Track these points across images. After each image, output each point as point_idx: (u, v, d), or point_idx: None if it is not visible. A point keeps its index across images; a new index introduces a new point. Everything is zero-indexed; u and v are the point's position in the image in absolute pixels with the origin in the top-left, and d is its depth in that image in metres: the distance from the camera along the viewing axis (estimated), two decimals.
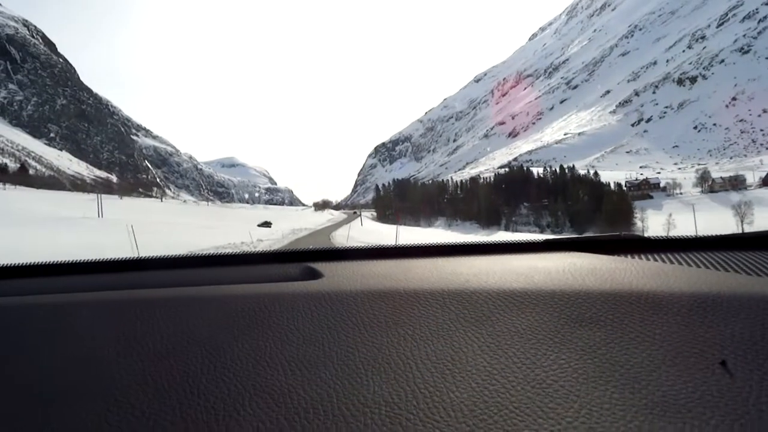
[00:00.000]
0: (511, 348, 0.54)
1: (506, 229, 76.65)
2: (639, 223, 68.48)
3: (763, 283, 0.64)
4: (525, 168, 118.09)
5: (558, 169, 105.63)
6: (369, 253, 1.03)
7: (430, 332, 0.59)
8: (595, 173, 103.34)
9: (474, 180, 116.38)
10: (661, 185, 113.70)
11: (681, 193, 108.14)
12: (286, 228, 35.88)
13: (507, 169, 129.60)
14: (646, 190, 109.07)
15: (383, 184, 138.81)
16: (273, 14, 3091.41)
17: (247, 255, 1.03)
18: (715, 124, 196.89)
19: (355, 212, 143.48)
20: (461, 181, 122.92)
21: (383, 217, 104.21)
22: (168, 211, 59.60)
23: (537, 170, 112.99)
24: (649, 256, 0.87)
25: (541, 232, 72.35)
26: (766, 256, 0.79)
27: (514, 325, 0.59)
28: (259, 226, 43.74)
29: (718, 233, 0.93)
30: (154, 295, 0.77)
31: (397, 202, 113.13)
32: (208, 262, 1.01)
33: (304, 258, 0.99)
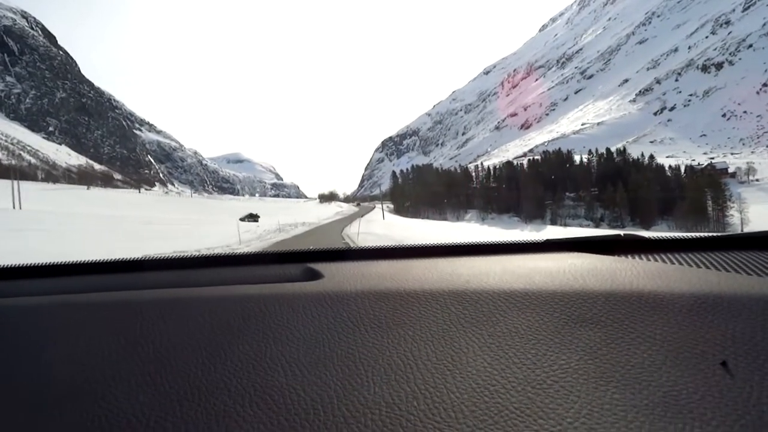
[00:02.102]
0: (512, 348, 0.54)
1: (552, 223, 65.15)
2: (735, 216, 56.02)
3: (763, 283, 0.63)
4: (567, 151, 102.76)
5: (605, 153, 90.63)
6: (369, 253, 1.04)
7: (431, 333, 0.59)
8: (651, 157, 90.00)
9: (510, 165, 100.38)
10: (730, 171, 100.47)
11: (758, 180, 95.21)
12: (272, 225, 26.05)
13: (541, 154, 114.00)
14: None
15: (401, 170, 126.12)
16: (280, 8, 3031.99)
17: (248, 255, 1.03)
18: (745, 112, 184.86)
19: (359, 204, 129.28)
20: (493, 166, 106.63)
21: (401, 209, 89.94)
22: (130, 204, 50.25)
23: (580, 156, 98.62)
24: (650, 257, 0.86)
25: (596, 227, 60.98)
26: (767, 256, 0.79)
27: (514, 326, 0.58)
28: (241, 220, 34.26)
29: (719, 233, 0.92)
30: (154, 296, 0.77)
31: (419, 191, 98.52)
32: (209, 263, 1.02)
33: (304, 258, 0.98)
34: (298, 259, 0.99)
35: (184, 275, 0.94)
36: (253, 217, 33.88)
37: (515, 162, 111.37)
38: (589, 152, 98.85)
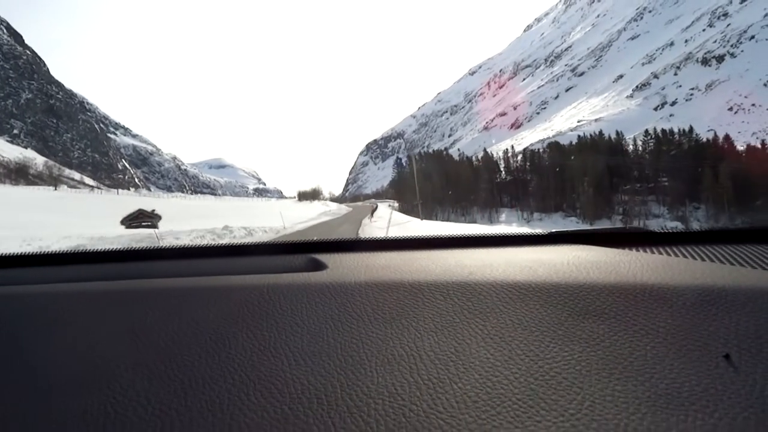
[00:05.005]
0: (515, 340, 0.54)
1: (625, 224, 49.87)
2: None
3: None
4: (617, 132, 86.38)
5: (661, 134, 73.05)
6: (373, 244, 1.04)
7: (434, 324, 0.59)
8: (726, 137, 74.61)
9: (557, 147, 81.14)
10: None
11: None
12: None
13: (576, 137, 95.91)
14: None
15: (408, 156, 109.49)
16: (261, 8, 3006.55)
17: (252, 246, 1.02)
18: (753, 105, 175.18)
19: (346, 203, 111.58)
20: (530, 152, 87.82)
21: (410, 208, 65.47)
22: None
23: (634, 138, 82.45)
24: (654, 250, 0.87)
25: (686, 229, 46.75)
26: None
27: (517, 318, 0.58)
28: (124, 224, 20.13)
29: (724, 227, 0.91)
30: (158, 285, 0.77)
31: (433, 185, 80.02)
32: (213, 253, 1.01)
33: (308, 249, 0.98)
34: (302, 249, 0.98)
35: (188, 265, 0.94)
36: (148, 218, 19.52)
37: (562, 145, 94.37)
38: (645, 132, 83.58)
